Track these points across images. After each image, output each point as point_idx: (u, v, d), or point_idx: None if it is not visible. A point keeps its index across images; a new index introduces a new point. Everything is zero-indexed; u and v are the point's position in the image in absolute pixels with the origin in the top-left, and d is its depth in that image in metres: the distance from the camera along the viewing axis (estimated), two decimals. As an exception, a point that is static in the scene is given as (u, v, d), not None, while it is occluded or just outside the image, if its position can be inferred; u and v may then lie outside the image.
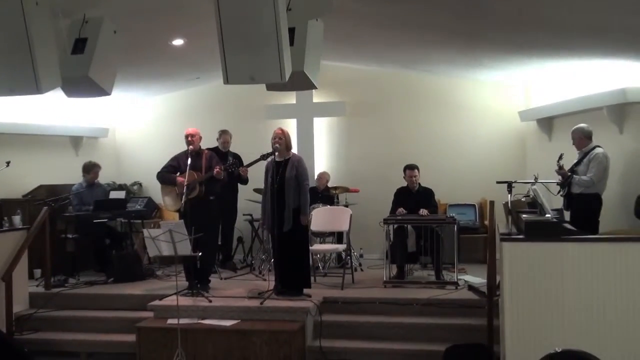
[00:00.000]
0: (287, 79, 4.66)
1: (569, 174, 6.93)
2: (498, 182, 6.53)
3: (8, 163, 7.77)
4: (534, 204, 5.97)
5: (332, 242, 8.91)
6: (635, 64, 7.01)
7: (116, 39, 5.78)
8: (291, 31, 5.05)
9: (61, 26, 5.46)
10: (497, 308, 5.80)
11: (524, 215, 5.49)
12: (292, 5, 5.10)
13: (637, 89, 7.08)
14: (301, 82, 5.44)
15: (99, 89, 5.66)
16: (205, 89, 10.74)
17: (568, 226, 5.35)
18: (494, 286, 5.97)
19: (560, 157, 6.97)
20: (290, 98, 10.24)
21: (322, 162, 10.34)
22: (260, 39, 4.53)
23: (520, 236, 5.18)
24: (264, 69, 4.63)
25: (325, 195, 9.21)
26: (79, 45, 5.51)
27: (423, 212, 7.79)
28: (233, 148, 9.15)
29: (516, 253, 5.02)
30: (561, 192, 7.09)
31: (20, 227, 7.57)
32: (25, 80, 4.98)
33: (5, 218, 7.64)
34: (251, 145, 8.68)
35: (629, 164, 7.28)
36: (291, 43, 4.99)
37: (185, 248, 6.03)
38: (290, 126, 9.86)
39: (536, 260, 4.96)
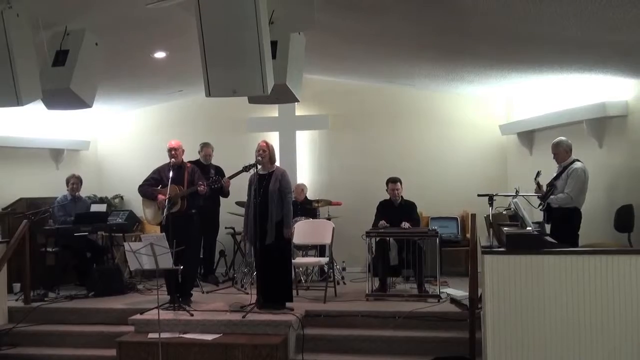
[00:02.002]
0: (269, 92, 4.67)
1: (548, 188, 6.98)
2: (479, 195, 6.57)
3: (-12, 175, 7.72)
4: (515, 217, 6.01)
5: (314, 255, 8.88)
6: (614, 78, 7.10)
7: (98, 51, 5.77)
8: (273, 44, 5.05)
9: (42, 38, 5.43)
10: (479, 321, 5.82)
11: (505, 228, 5.53)
12: (275, 19, 5.12)
13: (616, 103, 7.17)
14: (283, 95, 5.45)
15: (80, 101, 5.62)
16: (187, 101, 10.71)
17: (549, 239, 5.40)
18: (475, 299, 5.99)
19: (538, 175, 7.02)
20: (272, 111, 10.25)
21: (305, 175, 10.34)
22: (242, 52, 4.54)
23: (502, 249, 5.21)
24: (246, 82, 4.62)
25: (306, 207, 9.19)
26: (60, 57, 5.48)
27: (405, 225, 7.81)
28: (215, 161, 9.14)
29: (497, 266, 5.04)
30: (541, 206, 7.13)
31: (-1, 240, 7.50)
32: (6, 92, 4.96)
33: (-16, 231, 7.57)
34: (233, 158, 8.68)
35: (608, 178, 7.35)
36: (273, 56, 5.01)
37: (166, 261, 6.00)
38: (273, 139, 9.84)
39: (517, 273, 4.99)
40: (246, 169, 7.08)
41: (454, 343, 6.20)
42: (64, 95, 5.50)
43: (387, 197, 8.27)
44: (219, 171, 8.85)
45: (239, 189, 8.19)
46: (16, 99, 4.99)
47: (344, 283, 8.71)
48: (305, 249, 8.80)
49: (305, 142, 10.47)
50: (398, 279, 8.31)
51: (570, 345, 4.89)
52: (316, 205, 9.30)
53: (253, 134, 10.01)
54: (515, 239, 5.16)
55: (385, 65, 8.53)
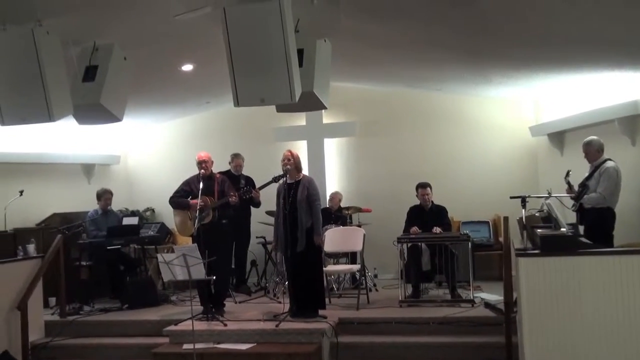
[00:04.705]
0: (297, 100, 4.69)
1: (580, 188, 6.88)
2: (512, 197, 6.48)
3: (21, 192, 7.82)
4: (548, 219, 5.92)
5: (345, 263, 8.87)
6: (646, 75, 7.00)
7: (126, 65, 5.83)
8: (300, 52, 5.08)
9: (72, 54, 5.51)
10: (515, 325, 5.75)
11: (539, 230, 5.44)
12: (300, 27, 5.14)
13: (648, 100, 7.06)
14: (311, 103, 5.46)
15: (111, 116, 5.69)
16: (215, 113, 10.80)
17: (584, 240, 5.30)
18: (511, 303, 5.91)
19: (568, 174, 6.91)
20: (300, 120, 10.27)
21: (334, 183, 10.34)
22: (269, 61, 4.57)
23: (536, 251, 5.13)
24: (273, 91, 4.65)
25: (338, 215, 9.19)
26: (90, 73, 5.55)
27: (437, 230, 7.75)
28: (244, 171, 9.18)
29: (532, 268, 4.96)
30: (574, 207, 7.02)
31: (34, 255, 7.59)
32: (38, 109, 5.03)
33: (20, 247, 7.65)
34: (262, 168, 8.71)
35: (642, 177, 7.23)
36: (300, 64, 5.02)
37: (199, 272, 6.02)
38: (301, 148, 9.88)
39: (553, 275, 4.90)
40: (276, 179, 7.10)
41: (489, 348, 6.12)
42: (95, 110, 5.57)
43: (417, 202, 8.21)
44: (250, 181, 8.88)
45: (269, 198, 8.21)
46: (48, 115, 5.06)
47: (376, 290, 8.67)
48: (336, 257, 8.79)
49: (333, 149, 10.48)
50: (431, 284, 8.25)
51: (610, 348, 4.78)
52: (346, 212, 9.28)
53: (282, 144, 10.02)
54: (549, 241, 5.07)
55: (411, 69, 8.50)
